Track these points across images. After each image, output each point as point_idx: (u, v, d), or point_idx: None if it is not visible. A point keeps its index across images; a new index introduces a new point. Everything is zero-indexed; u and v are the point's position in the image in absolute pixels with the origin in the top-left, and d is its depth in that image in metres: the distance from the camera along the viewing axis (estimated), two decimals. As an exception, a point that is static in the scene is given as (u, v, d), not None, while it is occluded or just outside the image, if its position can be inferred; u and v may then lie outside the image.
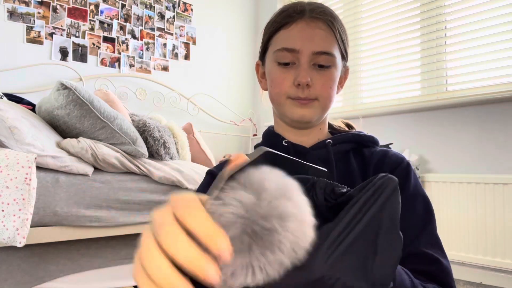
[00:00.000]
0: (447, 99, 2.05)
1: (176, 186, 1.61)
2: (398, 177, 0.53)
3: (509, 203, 1.76)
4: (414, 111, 2.21)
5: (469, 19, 2.03)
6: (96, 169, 1.43)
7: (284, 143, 0.68)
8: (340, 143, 0.67)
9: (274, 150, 0.62)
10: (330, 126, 0.74)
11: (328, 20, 0.62)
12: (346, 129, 0.74)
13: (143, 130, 1.69)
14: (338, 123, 0.76)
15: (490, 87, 1.93)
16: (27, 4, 2.07)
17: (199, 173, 1.70)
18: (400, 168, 0.62)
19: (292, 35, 0.62)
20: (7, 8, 2.01)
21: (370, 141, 0.68)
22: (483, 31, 1.97)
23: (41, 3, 2.12)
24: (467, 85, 2.03)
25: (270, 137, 0.71)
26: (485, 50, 1.96)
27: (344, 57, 0.66)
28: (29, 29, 2.08)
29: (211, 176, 0.71)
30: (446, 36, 2.13)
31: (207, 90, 2.84)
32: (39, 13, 2.11)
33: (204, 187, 0.71)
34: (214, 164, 2.20)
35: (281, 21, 0.64)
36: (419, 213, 0.57)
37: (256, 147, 0.72)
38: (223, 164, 0.72)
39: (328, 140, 0.67)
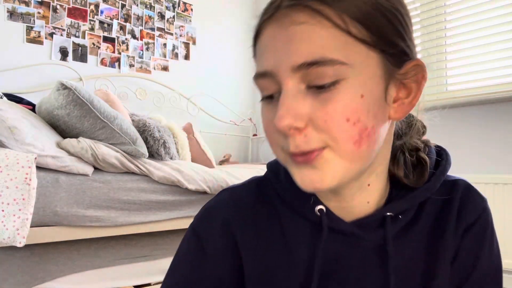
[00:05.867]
0: (447, 99, 2.05)
1: (176, 186, 1.61)
2: (476, 233, 0.44)
3: (509, 203, 1.76)
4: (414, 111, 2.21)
5: (469, 19, 2.03)
6: (96, 169, 1.43)
7: (317, 211, 0.42)
8: (408, 211, 0.43)
9: (298, 214, 0.44)
10: (394, 154, 0.46)
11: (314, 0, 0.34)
12: (425, 158, 0.47)
13: (143, 130, 1.69)
14: (412, 140, 0.50)
15: (490, 87, 1.93)
16: (27, 4, 2.07)
17: (199, 173, 1.70)
18: (481, 221, 0.45)
19: (262, 48, 0.38)
20: (7, 8, 2.01)
21: (459, 186, 0.46)
22: (483, 31, 1.97)
23: (41, 3, 2.12)
24: (467, 85, 2.03)
25: (291, 190, 0.44)
26: (485, 50, 1.96)
27: (393, 45, 0.37)
28: (29, 29, 2.08)
29: (198, 239, 0.49)
30: (446, 36, 2.13)
31: (207, 90, 2.83)
32: (39, 13, 2.11)
33: (188, 254, 0.49)
34: (214, 164, 2.20)
35: (256, 28, 0.40)
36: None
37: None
38: (206, 220, 0.51)
39: (388, 213, 0.41)
